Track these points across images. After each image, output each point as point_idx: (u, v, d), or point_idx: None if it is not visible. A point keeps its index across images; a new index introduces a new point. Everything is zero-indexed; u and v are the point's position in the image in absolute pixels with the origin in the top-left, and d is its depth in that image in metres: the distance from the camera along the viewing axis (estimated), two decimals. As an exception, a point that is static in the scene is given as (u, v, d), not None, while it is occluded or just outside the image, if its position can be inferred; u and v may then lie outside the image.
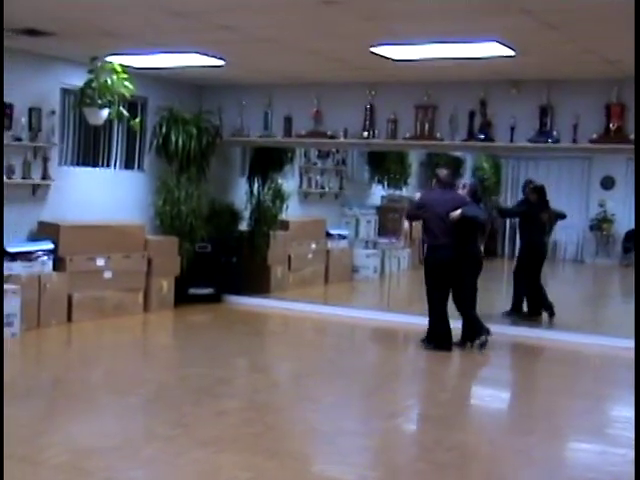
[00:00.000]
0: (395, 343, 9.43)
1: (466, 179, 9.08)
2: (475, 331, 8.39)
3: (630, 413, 6.09)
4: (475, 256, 8.55)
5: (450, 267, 8.25)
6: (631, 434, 5.28)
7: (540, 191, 10.54)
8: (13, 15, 6.85)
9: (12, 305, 7.91)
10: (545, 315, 10.26)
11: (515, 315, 10.18)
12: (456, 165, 16.89)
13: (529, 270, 10.36)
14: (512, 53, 7.45)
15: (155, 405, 6.10)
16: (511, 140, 9.31)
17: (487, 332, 8.36)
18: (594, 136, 8.85)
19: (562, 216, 10.96)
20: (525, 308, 10.38)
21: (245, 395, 6.43)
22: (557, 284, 16.61)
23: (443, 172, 8.65)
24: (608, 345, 8.72)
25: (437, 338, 8.29)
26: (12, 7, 6.54)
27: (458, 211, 8.18)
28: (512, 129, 9.25)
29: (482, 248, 8.97)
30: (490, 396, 7.00)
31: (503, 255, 18.69)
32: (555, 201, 18.16)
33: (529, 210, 10.43)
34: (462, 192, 8.64)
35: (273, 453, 5.01)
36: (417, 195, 9.38)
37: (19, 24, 7.25)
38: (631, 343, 8.35)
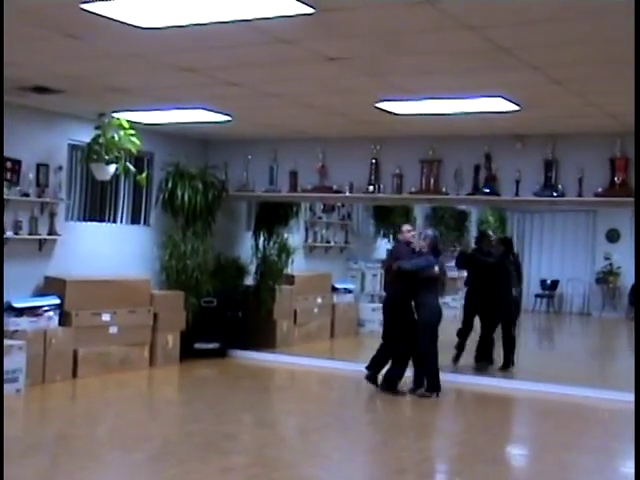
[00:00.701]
0: (402, 397, 9.35)
1: (428, 230, 9.32)
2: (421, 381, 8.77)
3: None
4: (431, 307, 8.72)
5: (389, 311, 8.83)
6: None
7: (506, 242, 11.03)
8: (23, 74, 6.95)
9: (17, 360, 7.88)
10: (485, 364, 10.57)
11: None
12: (461, 218, 16.98)
13: (494, 321, 10.62)
14: (517, 108, 7.51)
15: (160, 461, 6.03)
16: (516, 194, 9.33)
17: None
18: (599, 190, 8.88)
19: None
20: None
21: (252, 451, 6.36)
22: (564, 338, 16.59)
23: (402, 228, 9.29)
24: (616, 399, 8.64)
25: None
26: (22, 66, 6.64)
27: (395, 264, 8.69)
28: (517, 183, 9.28)
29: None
30: (501, 451, 6.91)
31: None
32: (561, 254, 18.34)
33: (499, 261, 10.59)
34: (422, 243, 8.80)
35: (280, 511, 4.95)
36: None
37: (28, 82, 7.34)
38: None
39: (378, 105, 7.76)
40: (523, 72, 6.14)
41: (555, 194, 9.16)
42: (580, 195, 9.01)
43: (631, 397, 8.40)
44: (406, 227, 9.30)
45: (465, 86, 6.82)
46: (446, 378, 9.42)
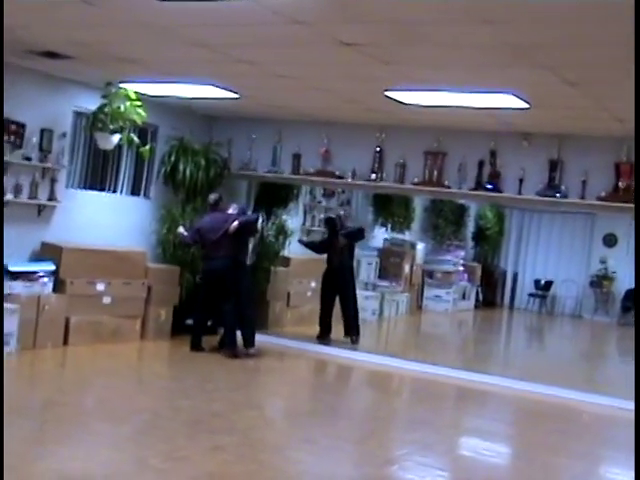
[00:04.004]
0: (390, 388, 9.38)
1: (235, 204, 9.98)
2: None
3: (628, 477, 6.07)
4: (246, 268, 9.65)
5: (225, 275, 9.27)
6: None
7: (329, 222, 11.44)
8: (34, 37, 6.90)
9: (10, 324, 7.87)
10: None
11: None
12: (459, 212, 16.96)
13: (332, 295, 11.15)
14: (526, 106, 7.48)
15: (148, 436, 6.02)
16: (519, 192, 9.32)
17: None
18: (602, 194, 8.86)
19: (356, 234, 11.60)
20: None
21: (240, 431, 6.33)
22: (554, 339, 16.61)
23: (212, 197, 9.67)
24: (604, 404, 8.64)
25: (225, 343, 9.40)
26: (34, 30, 6.59)
27: (235, 222, 9.24)
28: (520, 181, 9.27)
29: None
30: (488, 449, 6.90)
31: (502, 305, 18.71)
32: (557, 255, 18.33)
33: (327, 240, 11.27)
34: (234, 206, 9.65)
35: (266, 493, 4.93)
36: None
37: (39, 47, 7.28)
38: (626, 404, 8.31)
39: (388, 94, 7.73)
40: (538, 71, 6.11)
41: (558, 195, 9.14)
42: (583, 198, 8.99)
43: (619, 403, 8.48)
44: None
45: (478, 81, 6.78)
46: (437, 372, 9.48)
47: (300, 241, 12.00)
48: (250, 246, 9.92)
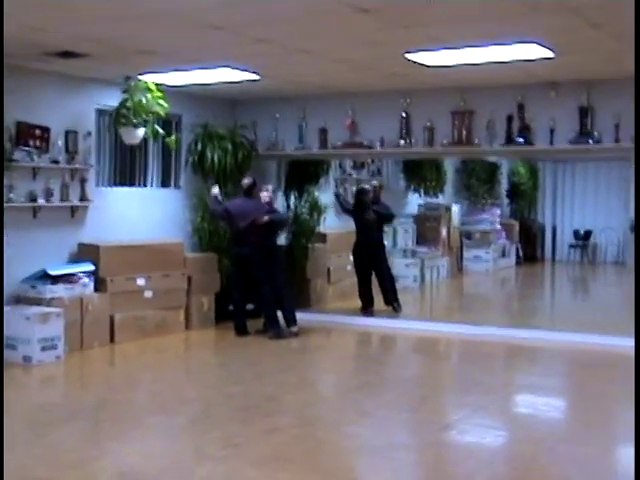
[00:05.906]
0: (438, 353, 9.32)
1: (268, 185, 10.12)
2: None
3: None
4: (277, 251, 9.81)
5: (254, 261, 9.34)
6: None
7: (360, 193, 11.27)
8: (48, 39, 6.87)
9: (56, 328, 7.89)
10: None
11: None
12: (491, 170, 16.78)
13: (366, 267, 11.12)
14: (551, 54, 7.32)
15: (203, 424, 6.01)
16: (551, 143, 9.16)
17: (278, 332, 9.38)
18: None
19: (385, 217, 11.40)
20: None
21: (295, 411, 6.32)
22: (599, 287, 16.44)
23: (245, 181, 9.66)
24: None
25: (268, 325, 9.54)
26: (48, 31, 6.57)
27: (266, 217, 9.38)
28: (552, 132, 9.10)
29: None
30: (544, 403, 6.84)
31: (543, 259, 18.54)
32: (594, 204, 18.09)
33: (357, 210, 11.13)
34: (267, 194, 9.69)
35: (329, 471, 4.90)
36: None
37: (54, 48, 7.26)
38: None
39: (409, 57, 7.60)
40: (560, 16, 5.95)
41: (591, 141, 8.97)
42: (617, 141, 8.82)
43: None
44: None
45: (499, 33, 6.63)
46: (484, 332, 9.40)
47: (336, 194, 11.82)
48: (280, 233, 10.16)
